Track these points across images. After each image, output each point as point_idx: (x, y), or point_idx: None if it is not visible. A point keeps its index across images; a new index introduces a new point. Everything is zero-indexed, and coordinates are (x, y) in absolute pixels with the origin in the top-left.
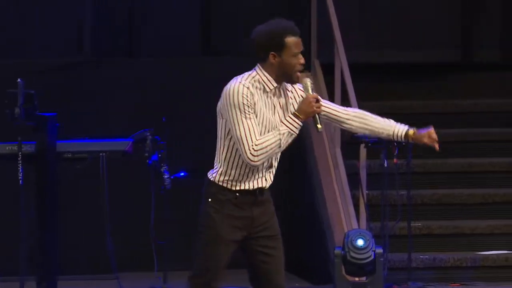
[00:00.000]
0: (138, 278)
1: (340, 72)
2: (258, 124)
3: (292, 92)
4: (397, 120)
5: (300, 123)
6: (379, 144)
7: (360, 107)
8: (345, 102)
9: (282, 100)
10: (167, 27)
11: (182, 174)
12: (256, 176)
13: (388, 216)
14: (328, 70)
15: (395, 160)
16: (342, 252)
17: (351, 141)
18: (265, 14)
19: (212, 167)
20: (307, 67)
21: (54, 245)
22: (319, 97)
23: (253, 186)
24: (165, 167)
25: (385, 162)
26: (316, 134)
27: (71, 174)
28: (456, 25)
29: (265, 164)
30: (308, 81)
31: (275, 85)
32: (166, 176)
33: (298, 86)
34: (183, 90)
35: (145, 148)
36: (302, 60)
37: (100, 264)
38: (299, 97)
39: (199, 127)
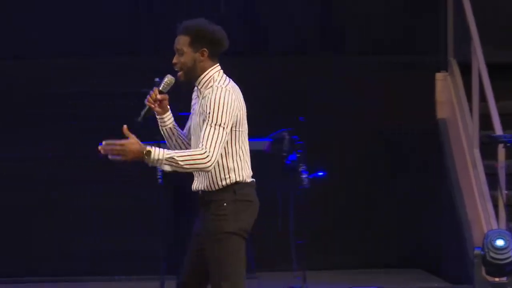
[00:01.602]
0: (277, 277)
1: (477, 72)
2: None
3: (202, 94)
4: None
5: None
6: None
7: (498, 108)
8: (483, 103)
9: (197, 102)
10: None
11: (320, 173)
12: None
13: None
14: (467, 70)
15: None
16: (482, 252)
17: (489, 141)
18: (400, 10)
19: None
20: (444, 67)
21: None
22: (154, 93)
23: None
24: (303, 166)
25: None
26: (454, 135)
27: None
28: None
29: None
30: (167, 78)
31: (196, 88)
32: (304, 176)
33: (206, 88)
34: (318, 89)
35: (283, 148)
36: (174, 60)
37: None
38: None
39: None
